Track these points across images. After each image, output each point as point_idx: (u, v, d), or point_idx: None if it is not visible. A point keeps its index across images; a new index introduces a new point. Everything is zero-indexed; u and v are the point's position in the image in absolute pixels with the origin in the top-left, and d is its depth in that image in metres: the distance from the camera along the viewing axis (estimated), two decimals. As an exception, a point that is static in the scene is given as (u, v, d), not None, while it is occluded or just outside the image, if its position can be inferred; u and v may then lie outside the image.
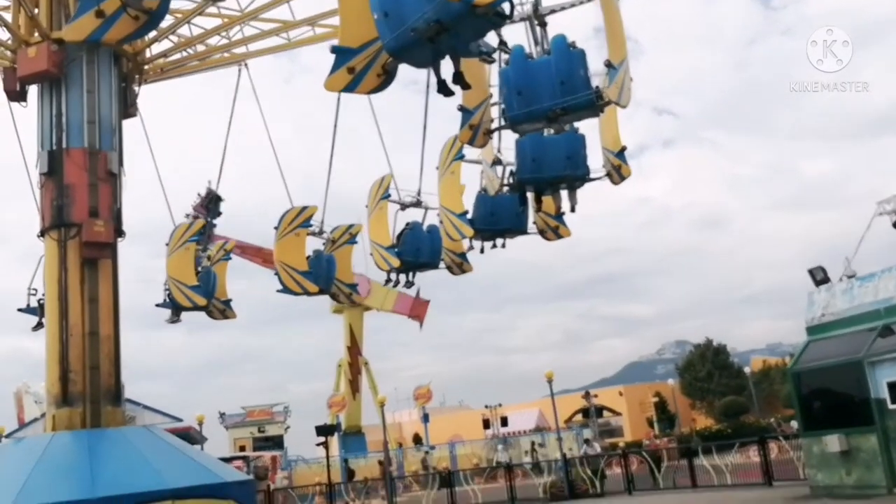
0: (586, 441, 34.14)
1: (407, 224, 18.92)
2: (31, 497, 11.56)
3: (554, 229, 17.43)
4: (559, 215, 16.52)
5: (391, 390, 76.13)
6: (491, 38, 11.18)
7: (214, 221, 22.85)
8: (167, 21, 15.15)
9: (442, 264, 19.07)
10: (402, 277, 19.10)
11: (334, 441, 46.50)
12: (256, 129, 21.06)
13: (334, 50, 10.67)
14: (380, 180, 19.06)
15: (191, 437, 28.94)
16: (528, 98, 12.20)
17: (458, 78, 10.23)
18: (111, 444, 12.96)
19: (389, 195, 18.90)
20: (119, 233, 14.47)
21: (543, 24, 12.68)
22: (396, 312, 55.06)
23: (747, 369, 65.03)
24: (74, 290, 13.55)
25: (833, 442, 16.18)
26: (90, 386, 13.28)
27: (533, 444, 42.65)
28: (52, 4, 14.38)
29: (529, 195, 15.14)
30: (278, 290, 18.57)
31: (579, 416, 60.42)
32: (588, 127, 13.84)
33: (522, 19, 12.36)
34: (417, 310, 54.48)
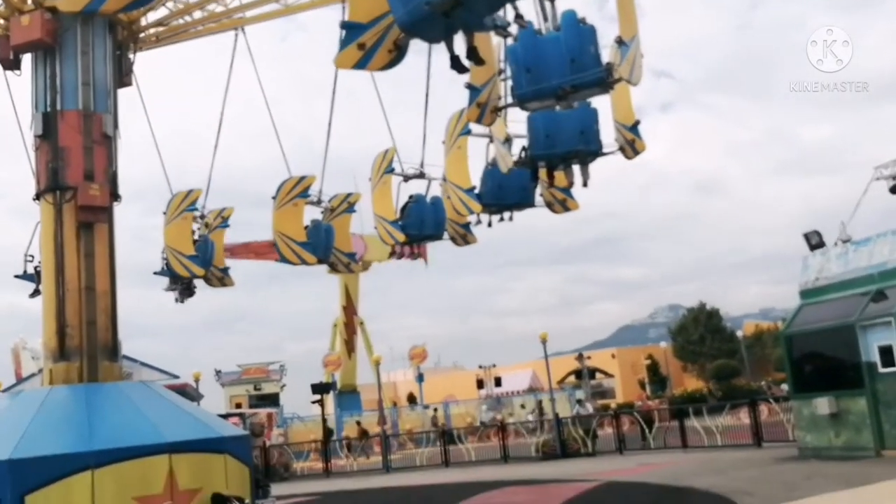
0: (579, 401, 34.49)
1: (410, 197, 18.88)
2: (29, 449, 11.67)
3: (561, 202, 17.41)
4: (566, 188, 16.50)
5: (386, 350, 76.85)
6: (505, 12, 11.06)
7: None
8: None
9: (446, 235, 19.10)
10: (407, 249, 19.12)
11: (330, 399, 46.96)
12: (253, 90, 20.84)
13: (343, 25, 10.55)
14: (383, 153, 18.94)
15: (187, 393, 29.12)
16: (537, 75, 12.04)
17: (472, 53, 10.12)
18: (108, 399, 13.06)
19: (393, 169, 18.78)
20: (115, 196, 14.42)
21: None
22: (397, 257, 54.89)
23: (740, 333, 65.52)
24: (70, 247, 13.53)
25: (823, 404, 16.37)
26: (87, 341, 13.33)
27: (539, 402, 42.94)
28: (43, -29, 14.16)
29: (541, 170, 15.11)
30: (277, 261, 18.52)
31: (572, 378, 60.95)
32: (600, 100, 13.74)
33: None
34: (419, 248, 54.43)
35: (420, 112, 18.15)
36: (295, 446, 32.32)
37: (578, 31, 12.13)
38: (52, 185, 13.70)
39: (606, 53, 12.09)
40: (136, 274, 22.00)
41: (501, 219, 18.33)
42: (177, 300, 20.48)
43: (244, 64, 20.05)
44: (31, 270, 18.74)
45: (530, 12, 12.21)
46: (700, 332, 68.11)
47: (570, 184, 15.30)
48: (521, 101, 12.50)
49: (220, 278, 20.48)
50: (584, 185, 14.79)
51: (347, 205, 19.97)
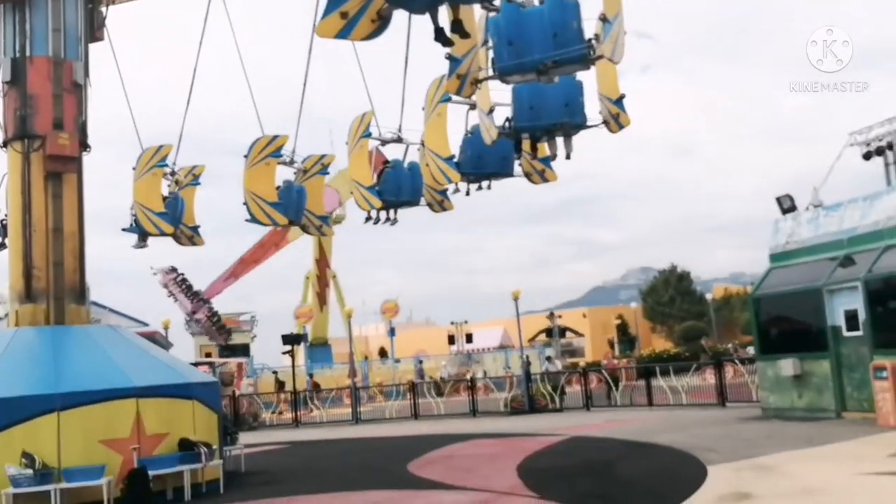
0: (548, 358, 34.83)
1: (387, 162, 18.65)
2: (-6, 390, 11.59)
3: (540, 172, 17.33)
4: (545, 158, 16.42)
5: (359, 304, 76.86)
6: None
7: None
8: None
9: (423, 201, 18.95)
10: (384, 215, 18.98)
11: (301, 351, 47.01)
12: (228, 41, 20.30)
13: None
14: (360, 117, 18.61)
15: (156, 341, 28.98)
16: (519, 49, 11.86)
17: (457, 26, 9.93)
18: (75, 341, 12.97)
19: (370, 133, 18.50)
20: (84, 146, 14.14)
21: None
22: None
23: (709, 296, 66.31)
24: (38, 190, 13.35)
25: (787, 366, 16.64)
26: (54, 282, 13.20)
27: (527, 357, 43.18)
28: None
29: (524, 142, 15.00)
30: (247, 220, 18.23)
31: (543, 336, 61.49)
32: (585, 72, 13.59)
33: None
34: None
35: (401, 72, 17.87)
36: (265, 396, 32.41)
37: (562, 6, 11.97)
38: (20, 133, 13.42)
39: (589, 26, 11.98)
40: (107, 221, 21.67)
41: (479, 187, 18.25)
42: (135, 246, 20.17)
43: (221, 11, 19.59)
44: None
45: None
46: (670, 294, 68.87)
47: (554, 156, 15.26)
48: (501, 74, 12.35)
49: (190, 237, 20.20)
50: (567, 157, 14.76)
51: (321, 166, 19.68)
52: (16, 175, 13.45)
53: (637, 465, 12.69)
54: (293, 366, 34.45)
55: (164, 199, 19.53)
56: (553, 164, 17.26)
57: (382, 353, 62.89)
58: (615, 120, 14.77)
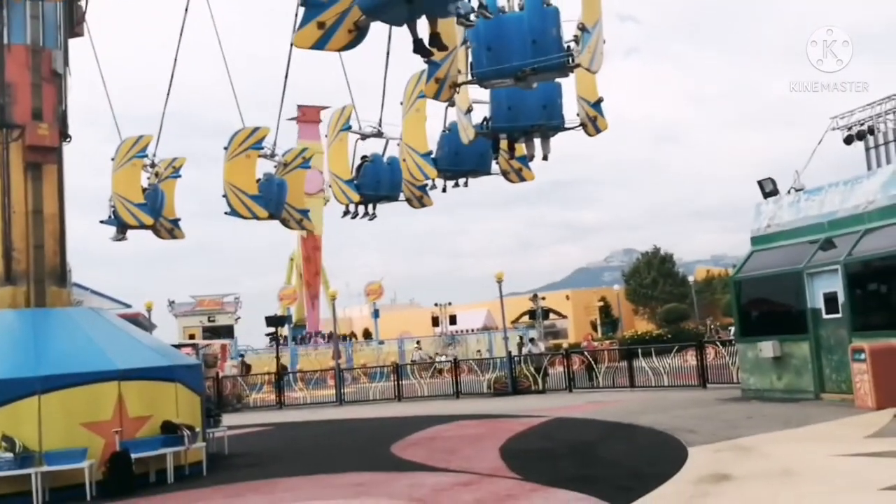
0: (531, 340, 34.96)
1: (365, 156, 18.54)
2: (-26, 373, 11.49)
3: (517, 171, 17.33)
4: (523, 157, 16.43)
5: (343, 286, 76.82)
6: None
7: None
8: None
9: (402, 196, 18.88)
10: (362, 209, 18.90)
11: (285, 333, 46.96)
12: (217, 18, 20.03)
13: (303, 2, 10.26)
14: (340, 110, 18.47)
15: (139, 323, 28.79)
16: (498, 55, 11.85)
17: (435, 39, 9.88)
18: (56, 324, 12.88)
19: (350, 126, 18.37)
20: (64, 136, 13.95)
21: None
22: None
23: (691, 278, 66.78)
24: (17, 173, 13.18)
25: (767, 347, 16.80)
26: (34, 265, 13.09)
27: (521, 337, 43.38)
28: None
29: (502, 142, 15.03)
30: (226, 213, 18.07)
31: (526, 318, 61.74)
32: None
33: None
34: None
35: (382, 66, 17.68)
36: (248, 378, 32.37)
37: (542, 13, 11.96)
38: (-1, 122, 13.19)
39: (569, 28, 11.99)
40: (89, 202, 21.51)
41: (456, 184, 18.21)
42: (113, 238, 20.00)
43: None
44: None
45: None
46: (653, 276, 69.36)
47: (531, 157, 15.31)
48: (480, 79, 12.36)
49: (170, 230, 20.02)
50: (545, 158, 14.83)
51: (302, 160, 19.51)
52: (-6, 161, 13.26)
53: (619, 447, 12.80)
54: (276, 347, 34.42)
55: (144, 190, 19.33)
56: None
57: (367, 335, 62.95)
58: (593, 123, 14.84)
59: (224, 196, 17.80)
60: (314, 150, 20.25)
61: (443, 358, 35.83)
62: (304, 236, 54.94)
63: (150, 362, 12.93)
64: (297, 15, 11.39)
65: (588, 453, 12.30)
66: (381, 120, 18.19)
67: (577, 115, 14.80)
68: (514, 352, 28.93)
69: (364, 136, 18.51)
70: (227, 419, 17.92)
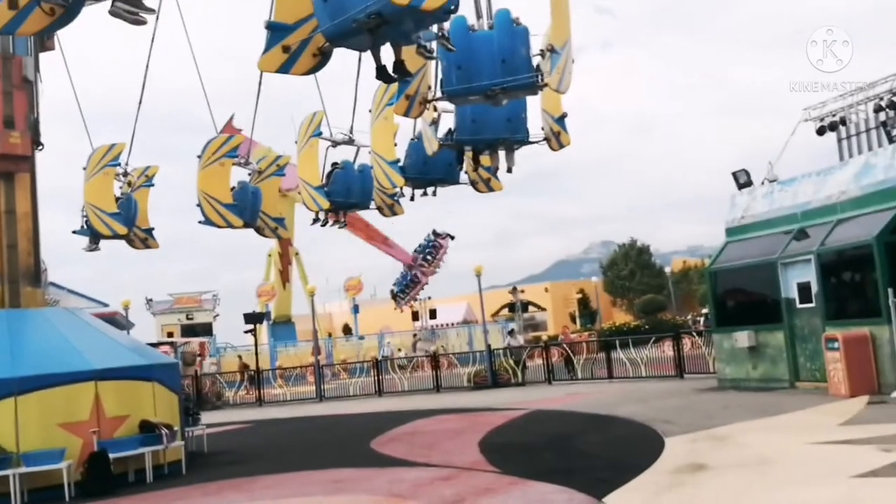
0: (510, 332, 35.07)
1: (336, 163, 18.46)
2: (-52, 375, 11.38)
3: (486, 181, 17.37)
4: (491, 167, 16.51)
5: (322, 281, 76.53)
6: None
7: None
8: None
9: (372, 204, 18.85)
10: (332, 217, 18.81)
11: (264, 330, 46.74)
12: (188, 17, 19.75)
13: (269, 26, 10.22)
14: (311, 116, 18.31)
15: (117, 322, 28.64)
16: (468, 73, 11.93)
17: (399, 67, 9.92)
18: (31, 325, 12.78)
19: (321, 132, 18.23)
20: (37, 144, 13.79)
21: None
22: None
23: (668, 269, 67.27)
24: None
25: (743, 338, 16.98)
26: (8, 265, 12.97)
27: (511, 330, 43.46)
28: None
29: (467, 153, 15.10)
30: (200, 222, 17.93)
31: (506, 311, 61.93)
32: None
33: None
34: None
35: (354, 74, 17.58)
36: (227, 375, 32.26)
37: (511, 32, 12.04)
38: (-32, 132, 13.00)
39: (538, 41, 12.08)
40: (64, 199, 21.27)
41: (425, 193, 18.21)
42: (87, 248, 19.80)
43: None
44: None
45: (466, 5, 11.96)
46: (630, 268, 69.79)
47: (496, 169, 15.41)
48: (450, 96, 12.44)
49: (144, 239, 19.83)
50: (509, 170, 14.93)
51: (276, 167, 19.39)
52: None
53: (597, 438, 12.92)
54: (255, 344, 34.28)
55: (117, 199, 19.13)
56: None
57: (347, 331, 62.83)
58: (556, 138, 14.97)
59: (198, 205, 17.65)
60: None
61: (423, 352, 35.85)
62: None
63: (127, 362, 12.86)
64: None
65: (566, 445, 12.40)
66: (352, 127, 18.11)
67: (542, 129, 14.97)
68: (503, 344, 28.95)
69: (335, 143, 18.42)
70: (207, 417, 17.86)
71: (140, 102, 18.95)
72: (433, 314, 51.07)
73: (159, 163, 20.50)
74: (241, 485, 11.27)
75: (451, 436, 14.51)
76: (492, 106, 12.40)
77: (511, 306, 59.11)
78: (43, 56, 14.66)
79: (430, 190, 18.02)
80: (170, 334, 48.19)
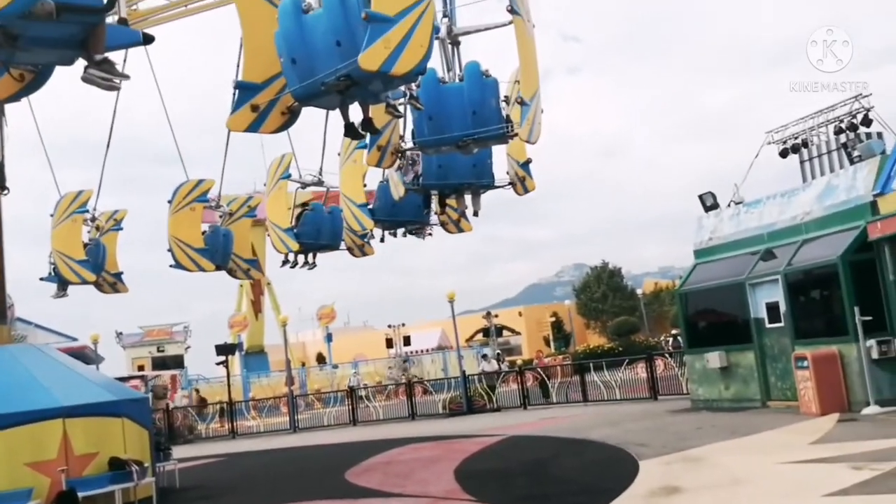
0: (483, 356, 35.04)
1: (305, 205, 18.50)
2: (-89, 416, 11.13)
3: (455, 222, 17.54)
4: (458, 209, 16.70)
5: (295, 310, 76.10)
6: None
7: None
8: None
9: (343, 245, 18.87)
10: (301, 258, 18.82)
11: (236, 361, 46.27)
12: (164, 49, 19.69)
13: (237, 85, 10.27)
14: (280, 158, 18.35)
15: (86, 356, 28.25)
16: (439, 124, 12.13)
17: (368, 125, 10.05)
18: (-3, 362, 12.54)
19: (290, 175, 18.30)
20: (2, 187, 13.66)
21: (457, 44, 12.52)
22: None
23: (640, 291, 67.69)
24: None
25: (714, 358, 17.10)
26: (-28, 302, 12.75)
27: (498, 354, 43.32)
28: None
29: (434, 198, 15.27)
30: (171, 266, 17.81)
31: (480, 336, 61.83)
32: None
33: (436, 38, 12.02)
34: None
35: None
36: (199, 408, 31.83)
37: (481, 84, 12.30)
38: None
39: (505, 88, 12.28)
40: (31, 232, 21.07)
41: (394, 234, 18.30)
42: (55, 296, 19.62)
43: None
44: None
45: (436, 57, 12.14)
46: (602, 290, 70.10)
47: (462, 212, 15.58)
48: (422, 147, 12.59)
49: (113, 283, 19.73)
50: (475, 214, 15.10)
51: (247, 209, 19.40)
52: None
53: (572, 463, 12.90)
54: (228, 376, 33.90)
55: (85, 245, 18.99)
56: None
57: (320, 360, 62.37)
58: (521, 183, 15.22)
59: (169, 250, 17.54)
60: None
61: (356, 382, 35.71)
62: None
63: (95, 398, 12.66)
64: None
65: (541, 471, 12.37)
66: (321, 168, 18.16)
67: (507, 173, 15.17)
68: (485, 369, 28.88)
69: (304, 185, 18.45)
70: (179, 451, 17.61)
71: (108, 145, 18.83)
72: (407, 341, 50.88)
73: (128, 191, 20.63)
74: (214, 521, 11.10)
75: (426, 465, 14.42)
76: (462, 154, 12.57)
77: (485, 331, 59.07)
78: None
79: (399, 231, 18.13)
80: (140, 367, 47.52)
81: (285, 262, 18.71)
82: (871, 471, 8.85)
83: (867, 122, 16.98)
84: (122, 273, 19.75)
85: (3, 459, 11.24)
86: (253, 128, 10.34)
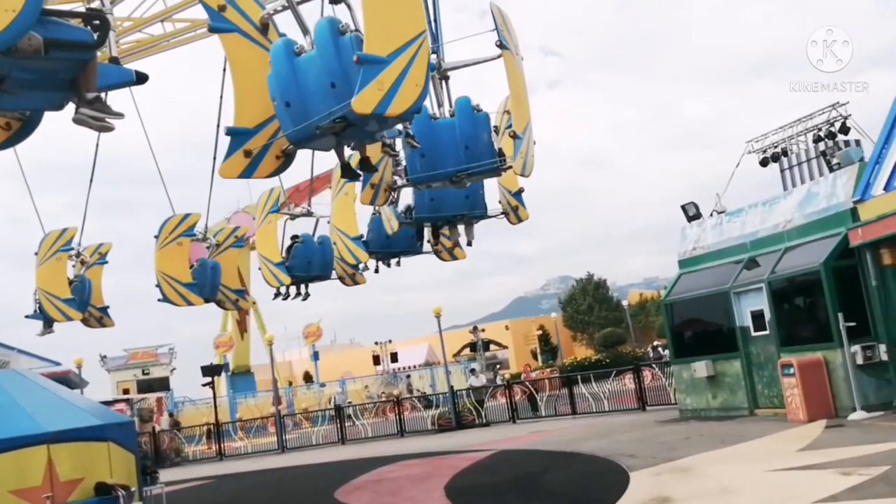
0: (471, 371, 34.98)
1: (295, 237, 18.48)
2: None
3: (449, 251, 17.54)
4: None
5: (281, 329, 75.85)
6: None
7: None
8: None
9: (334, 274, 18.85)
10: (293, 290, 18.79)
11: (223, 381, 45.96)
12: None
13: (229, 132, 10.01)
14: (269, 192, 18.33)
15: (70, 381, 27.82)
16: (432, 160, 12.15)
17: (365, 164, 10.02)
18: (-22, 389, 12.37)
19: (279, 208, 18.33)
20: None
21: (446, 78, 12.59)
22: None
23: (625, 302, 67.91)
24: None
25: (701, 368, 17.15)
26: (-47, 329, 12.60)
27: (496, 366, 43.33)
28: None
29: (427, 229, 15.30)
30: (159, 300, 17.68)
31: (468, 351, 61.76)
32: None
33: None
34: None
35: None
36: (186, 430, 31.55)
37: (473, 119, 12.34)
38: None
39: (494, 118, 12.32)
40: (12, 256, 20.95)
41: (388, 264, 18.32)
42: (40, 333, 19.49)
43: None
44: None
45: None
46: (588, 302, 70.30)
47: (456, 243, 15.61)
48: (415, 183, 12.62)
49: (100, 318, 19.59)
50: (469, 244, 15.11)
51: (234, 239, 19.36)
52: None
53: (562, 476, 12.87)
54: (214, 397, 33.66)
55: (70, 282, 18.83)
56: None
57: (308, 378, 62.08)
58: (514, 212, 15.27)
59: (157, 285, 17.41)
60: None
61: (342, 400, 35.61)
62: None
63: (80, 422, 12.48)
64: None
65: (532, 485, 12.33)
66: (310, 199, 18.21)
67: (500, 202, 15.22)
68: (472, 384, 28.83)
69: (293, 217, 18.45)
70: (166, 474, 17.41)
71: (91, 181, 18.76)
72: (394, 357, 50.78)
73: (111, 213, 20.40)
74: (203, 544, 10.98)
75: (415, 482, 14.34)
76: (456, 189, 12.61)
77: (472, 346, 59.02)
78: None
79: (393, 261, 18.13)
80: (125, 391, 47.06)
81: (277, 294, 18.66)
82: (860, 476, 8.89)
83: (845, 129, 17.19)
84: (108, 307, 19.61)
85: (-14, 488, 11.06)
86: (247, 173, 10.14)
